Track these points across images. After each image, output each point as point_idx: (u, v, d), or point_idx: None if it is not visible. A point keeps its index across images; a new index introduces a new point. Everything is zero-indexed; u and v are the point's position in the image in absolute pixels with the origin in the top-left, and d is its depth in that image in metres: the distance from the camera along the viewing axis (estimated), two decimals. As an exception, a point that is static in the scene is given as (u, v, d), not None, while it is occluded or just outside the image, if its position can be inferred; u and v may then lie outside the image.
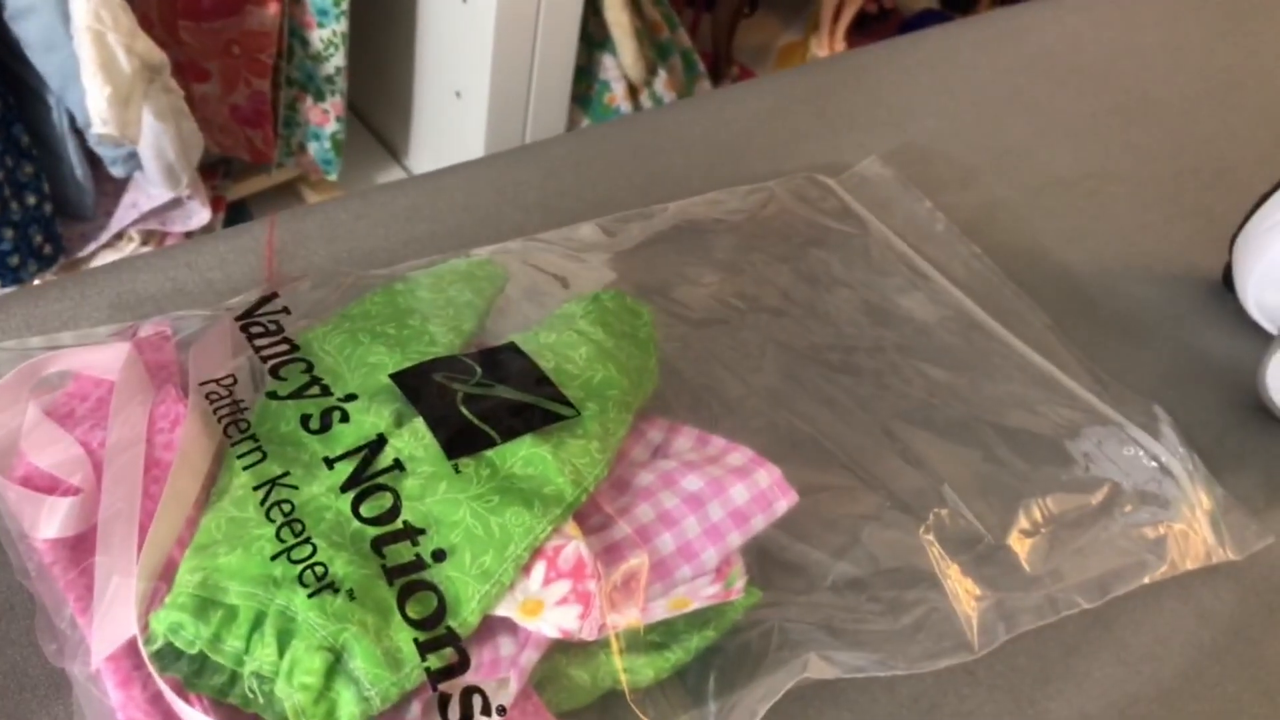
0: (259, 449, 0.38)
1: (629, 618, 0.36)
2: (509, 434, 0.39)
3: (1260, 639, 0.45)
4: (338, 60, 1.22)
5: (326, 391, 0.40)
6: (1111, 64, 0.76)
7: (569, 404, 0.40)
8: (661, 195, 0.58)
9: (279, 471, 0.38)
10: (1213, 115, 0.73)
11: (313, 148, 1.30)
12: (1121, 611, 0.44)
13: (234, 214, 1.31)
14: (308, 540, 0.35)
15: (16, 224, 1.04)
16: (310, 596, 0.34)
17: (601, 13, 1.27)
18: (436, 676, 0.33)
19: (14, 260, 1.05)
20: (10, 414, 0.40)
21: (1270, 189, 0.55)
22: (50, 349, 0.42)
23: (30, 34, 0.94)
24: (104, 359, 0.42)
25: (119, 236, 1.15)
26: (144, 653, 0.33)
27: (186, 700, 0.33)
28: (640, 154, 0.62)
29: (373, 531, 0.36)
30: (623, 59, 1.30)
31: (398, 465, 0.38)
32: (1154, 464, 0.48)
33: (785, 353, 0.49)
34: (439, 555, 0.36)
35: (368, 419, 0.39)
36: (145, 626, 0.34)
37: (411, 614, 0.34)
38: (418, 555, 0.36)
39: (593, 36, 1.30)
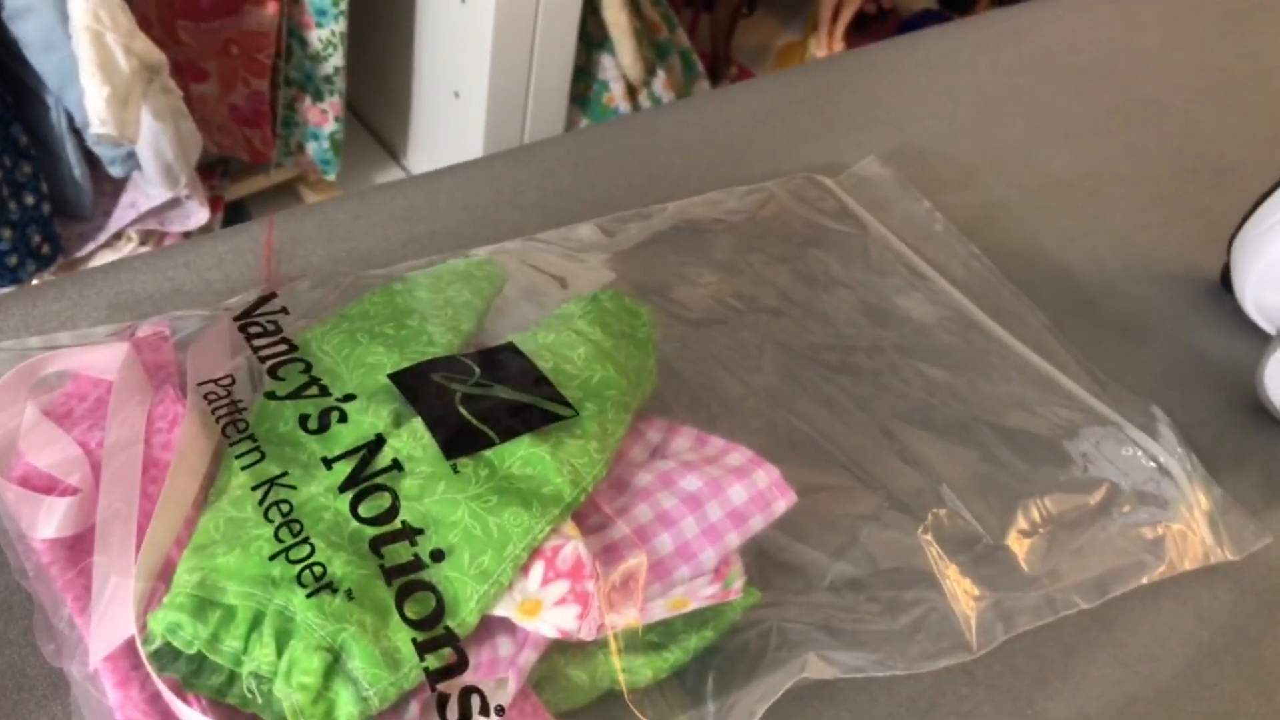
0: (257, 449, 0.38)
1: (627, 618, 0.36)
2: (507, 434, 0.39)
3: (1258, 639, 0.45)
4: (336, 60, 1.22)
5: (325, 391, 0.40)
6: (1110, 64, 0.76)
7: (567, 404, 0.40)
8: (660, 195, 0.58)
9: (277, 471, 0.38)
10: (1211, 116, 0.73)
11: (311, 148, 1.30)
12: (1120, 612, 0.44)
13: (232, 214, 1.31)
14: (306, 540, 0.35)
15: (15, 224, 1.03)
16: (309, 596, 0.34)
17: (600, 13, 1.27)
18: (435, 676, 0.33)
19: (12, 260, 1.05)
20: (9, 414, 0.40)
21: (1269, 189, 0.55)
22: (48, 349, 0.42)
23: (29, 33, 0.94)
24: (102, 359, 0.42)
25: (117, 236, 1.15)
26: (142, 653, 0.33)
27: (185, 700, 0.33)
28: (639, 154, 0.62)
29: (371, 531, 0.36)
30: (621, 59, 1.30)
31: (396, 465, 0.38)
32: (1152, 464, 0.48)
33: (784, 353, 0.49)
34: (437, 555, 0.36)
35: (366, 419, 0.39)
36: (143, 626, 0.34)
37: (410, 614, 0.34)
38: (416, 555, 0.36)
39: (591, 36, 1.30)
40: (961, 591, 0.41)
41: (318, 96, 1.26)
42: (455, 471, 0.37)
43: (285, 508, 0.36)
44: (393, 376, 0.41)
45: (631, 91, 1.36)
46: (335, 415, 0.40)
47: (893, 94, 0.70)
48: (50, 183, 1.07)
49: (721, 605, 0.38)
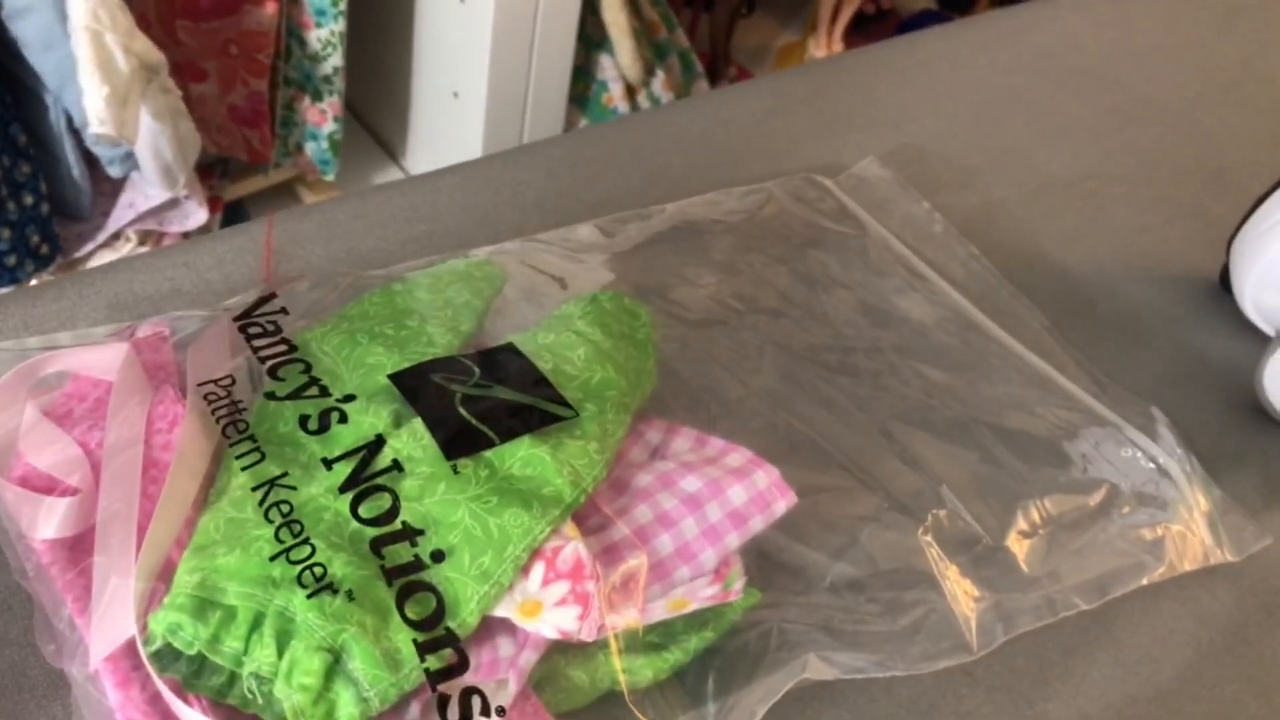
0: (257, 449, 0.38)
1: (628, 619, 0.36)
2: (507, 435, 0.39)
3: (1258, 640, 0.45)
4: (335, 60, 1.22)
5: (325, 392, 0.40)
6: (1110, 64, 0.76)
7: (567, 405, 0.40)
8: (659, 196, 0.58)
9: (277, 472, 0.38)
10: (1211, 116, 0.73)
11: (310, 148, 1.30)
12: (1120, 613, 0.44)
13: (231, 214, 1.30)
14: (306, 541, 0.35)
15: (14, 224, 1.03)
16: (309, 597, 0.34)
17: (599, 13, 1.27)
18: (435, 677, 0.33)
19: (11, 260, 1.05)
20: (8, 414, 0.40)
21: (1268, 190, 0.55)
22: (48, 349, 0.42)
23: (28, 33, 0.94)
24: (102, 359, 0.42)
25: (116, 236, 1.15)
26: (142, 653, 0.33)
27: (185, 701, 0.33)
28: (638, 155, 0.62)
29: (371, 532, 0.36)
30: (620, 59, 1.30)
31: (396, 466, 0.38)
32: (1152, 465, 0.48)
33: (783, 354, 0.49)
34: (438, 556, 0.36)
35: (366, 419, 0.39)
36: (144, 627, 0.34)
37: (410, 615, 0.34)
38: (416, 556, 0.36)
39: (590, 37, 1.30)
40: (961, 592, 0.41)
41: (317, 97, 1.26)
42: (455, 472, 0.37)
43: (285, 508, 0.36)
44: (393, 377, 0.41)
45: (630, 92, 1.36)
46: (335, 416, 0.40)
47: (892, 94, 0.70)
48: (49, 183, 1.07)
49: (722, 606, 0.39)
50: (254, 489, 0.37)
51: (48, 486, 0.38)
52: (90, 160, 1.06)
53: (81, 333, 0.45)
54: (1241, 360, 0.56)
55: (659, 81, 1.36)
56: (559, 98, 1.29)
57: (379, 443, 0.38)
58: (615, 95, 1.34)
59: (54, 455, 0.39)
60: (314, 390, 0.41)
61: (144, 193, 1.12)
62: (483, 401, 0.40)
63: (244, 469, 0.38)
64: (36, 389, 0.41)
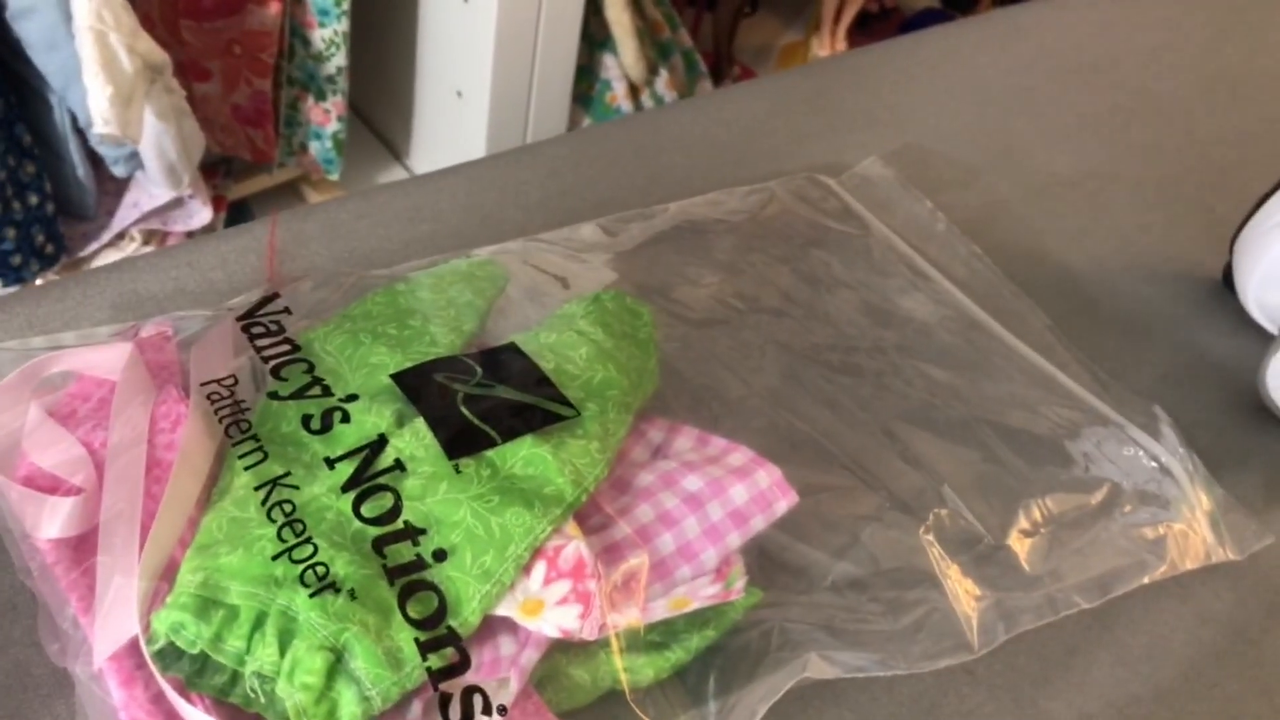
0: (260, 449, 0.38)
1: (629, 617, 0.36)
2: (509, 434, 0.39)
3: (1260, 639, 0.45)
4: (339, 60, 1.22)
5: (328, 392, 0.41)
6: (1112, 64, 0.76)
7: (569, 404, 0.41)
8: (662, 195, 0.58)
9: (280, 472, 0.38)
10: (1214, 115, 0.73)
11: (314, 147, 1.30)
12: (1121, 611, 0.44)
13: (235, 214, 1.31)
14: (309, 540, 0.35)
15: (19, 223, 1.04)
16: (311, 596, 0.34)
17: (602, 12, 1.27)
18: (437, 676, 0.33)
19: (16, 260, 1.05)
20: (12, 414, 0.40)
21: (1271, 189, 0.55)
22: (52, 349, 0.42)
23: (32, 34, 0.94)
24: (106, 359, 0.42)
25: (120, 236, 1.15)
26: (146, 652, 0.34)
27: (188, 700, 0.33)
28: (641, 154, 0.62)
29: (374, 531, 0.36)
30: (624, 58, 1.30)
31: (398, 465, 0.38)
32: (1154, 464, 0.48)
33: (785, 353, 0.49)
34: (440, 555, 0.36)
35: (369, 419, 0.39)
36: (147, 626, 0.34)
37: (412, 614, 0.34)
38: (418, 555, 0.36)
39: (594, 36, 1.30)
40: (963, 591, 0.41)
41: (320, 96, 1.26)
42: (457, 471, 0.38)
43: (288, 508, 0.37)
44: (395, 377, 0.41)
45: (634, 91, 1.36)
46: (338, 415, 0.40)
47: (895, 94, 0.70)
48: (54, 182, 1.07)
49: (723, 605, 0.39)
50: (256, 488, 0.37)
51: (52, 486, 0.38)
52: (95, 160, 1.06)
53: (85, 332, 0.45)
54: (1244, 359, 0.56)
55: (662, 81, 1.37)
56: (562, 97, 1.29)
57: (381, 442, 0.38)
58: (618, 95, 1.34)
59: (58, 455, 0.39)
60: (317, 390, 0.41)
61: (148, 192, 1.12)
62: (485, 401, 0.40)
63: (247, 468, 0.38)
64: (41, 389, 0.41)
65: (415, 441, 0.38)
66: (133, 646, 0.34)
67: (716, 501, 0.39)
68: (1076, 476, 0.47)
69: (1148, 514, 0.46)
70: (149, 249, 1.15)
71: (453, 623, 0.34)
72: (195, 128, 1.07)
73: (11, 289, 1.06)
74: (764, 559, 0.41)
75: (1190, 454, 0.48)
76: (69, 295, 0.49)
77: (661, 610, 0.37)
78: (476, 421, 0.39)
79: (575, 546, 0.36)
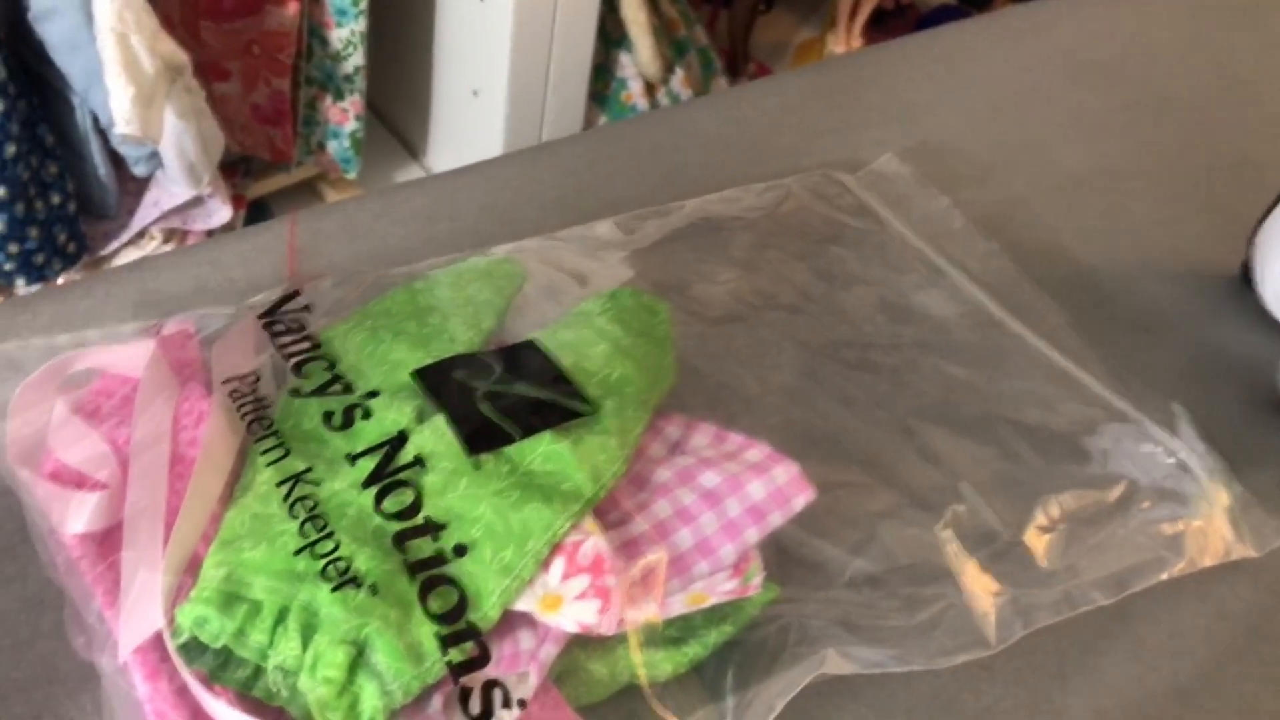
0: (282, 445, 0.39)
1: (647, 613, 0.37)
2: (528, 430, 0.39)
3: (1278, 636, 0.45)
4: (357, 59, 1.23)
5: (348, 389, 0.41)
6: (1128, 60, 0.76)
7: (587, 401, 0.41)
8: (678, 193, 0.58)
9: (302, 468, 0.38)
10: (1230, 111, 0.72)
11: (332, 146, 1.31)
12: (1139, 608, 0.44)
13: (254, 212, 1.31)
14: (330, 535, 0.36)
15: (41, 223, 1.05)
16: (333, 591, 0.34)
17: (618, 10, 1.27)
18: (457, 670, 0.34)
19: (39, 259, 1.06)
20: (38, 411, 0.40)
21: (1289, 185, 0.55)
22: (76, 347, 0.43)
23: (54, 35, 0.95)
24: (129, 357, 0.42)
25: (141, 234, 1.16)
26: (170, 646, 0.34)
27: (212, 693, 0.34)
28: (657, 152, 0.62)
29: (394, 527, 0.36)
30: (640, 56, 1.30)
31: (419, 461, 0.38)
32: (1172, 461, 0.48)
33: (802, 350, 0.49)
34: (460, 550, 0.36)
35: (389, 416, 0.40)
36: (171, 620, 0.34)
37: (433, 608, 0.35)
38: (439, 550, 0.36)
39: (610, 34, 1.30)
40: (980, 587, 0.41)
41: (338, 95, 1.27)
42: (477, 468, 0.38)
43: (310, 503, 0.37)
44: (415, 374, 0.41)
45: (650, 89, 1.36)
46: (359, 412, 0.40)
47: (911, 90, 0.70)
48: (76, 182, 1.08)
49: (740, 601, 0.39)
50: (279, 484, 0.38)
51: (77, 482, 0.39)
52: (116, 160, 1.07)
53: (109, 330, 0.46)
54: (1263, 355, 0.56)
55: (678, 79, 1.37)
56: (578, 95, 1.29)
57: (402, 438, 0.39)
58: (634, 93, 1.34)
59: (83, 451, 0.39)
60: (338, 387, 0.41)
61: (168, 191, 1.13)
62: (504, 398, 0.40)
63: (269, 464, 0.38)
64: (65, 386, 0.41)
65: (435, 438, 0.39)
66: (157, 640, 0.34)
67: (734, 497, 0.39)
68: (1094, 473, 0.47)
69: (1166, 510, 0.46)
70: (169, 247, 1.16)
71: (473, 617, 0.35)
72: (215, 127, 1.07)
73: (35, 287, 1.07)
74: (781, 555, 0.41)
75: (1209, 450, 0.48)
76: (92, 294, 0.49)
77: (679, 605, 0.37)
78: (496, 418, 0.39)
79: (594, 542, 0.37)
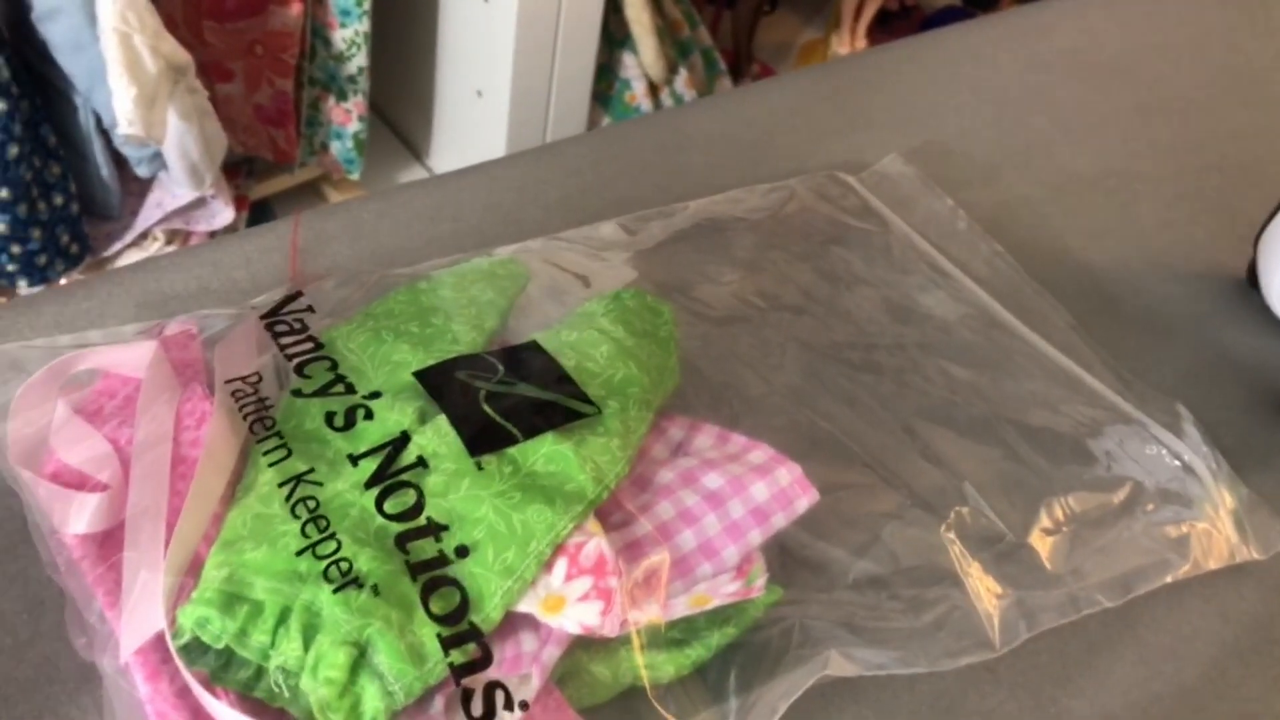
0: (284, 446, 0.39)
1: (650, 614, 0.36)
2: (531, 431, 0.39)
3: (1284, 638, 0.45)
4: (360, 60, 1.23)
5: (350, 389, 0.41)
6: (1134, 61, 0.76)
7: (590, 402, 0.41)
8: (682, 193, 0.58)
9: (304, 468, 0.38)
10: (1236, 112, 0.72)
11: (335, 147, 1.31)
12: (1144, 610, 0.44)
13: (257, 213, 1.31)
14: (332, 536, 0.36)
15: (44, 224, 1.05)
16: (335, 592, 0.34)
17: (622, 11, 1.27)
18: (459, 671, 0.34)
19: (42, 259, 1.06)
20: (40, 411, 0.40)
21: (1295, 186, 0.55)
22: (79, 347, 0.43)
23: (57, 35, 0.95)
24: (131, 357, 0.42)
25: (144, 235, 1.16)
26: (171, 647, 0.34)
27: (214, 694, 0.33)
28: (661, 152, 0.62)
29: (396, 528, 0.36)
30: (643, 57, 1.30)
31: (421, 462, 0.38)
32: (1177, 463, 0.47)
33: (806, 351, 0.49)
34: (462, 551, 0.36)
35: (391, 416, 0.39)
36: (173, 621, 0.34)
37: (434, 609, 0.35)
38: (441, 551, 0.36)
39: (613, 35, 1.31)
40: (984, 589, 0.41)
41: (342, 96, 1.27)
42: (479, 469, 0.38)
43: (312, 504, 0.37)
44: (418, 374, 0.41)
45: (653, 90, 1.36)
46: (361, 412, 0.40)
47: (915, 91, 0.70)
48: (78, 183, 1.08)
49: (744, 602, 0.39)
50: (280, 485, 0.37)
51: (78, 482, 0.39)
52: (119, 160, 1.07)
53: (111, 331, 0.46)
54: (1268, 357, 0.56)
55: (682, 79, 1.37)
56: (582, 96, 1.29)
57: (404, 439, 0.39)
58: (638, 93, 1.34)
59: (85, 452, 0.39)
60: (340, 387, 0.41)
61: (171, 192, 1.13)
62: (506, 398, 0.40)
63: (271, 465, 0.38)
64: (67, 386, 0.41)
65: (438, 439, 0.39)
66: (159, 641, 0.34)
67: (737, 499, 0.39)
68: (1099, 475, 0.47)
69: (1171, 513, 0.46)
70: (172, 248, 1.16)
71: (475, 618, 0.35)
72: (218, 128, 1.07)
73: (38, 288, 1.07)
74: (785, 556, 0.41)
75: (1214, 452, 0.48)
76: (94, 294, 0.49)
77: (682, 607, 0.37)
78: (498, 419, 0.39)
79: (596, 543, 0.37)
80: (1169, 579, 0.44)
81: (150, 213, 1.14)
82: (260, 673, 0.34)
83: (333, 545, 0.35)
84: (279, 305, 0.45)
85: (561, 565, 0.36)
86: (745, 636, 0.39)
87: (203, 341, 0.44)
